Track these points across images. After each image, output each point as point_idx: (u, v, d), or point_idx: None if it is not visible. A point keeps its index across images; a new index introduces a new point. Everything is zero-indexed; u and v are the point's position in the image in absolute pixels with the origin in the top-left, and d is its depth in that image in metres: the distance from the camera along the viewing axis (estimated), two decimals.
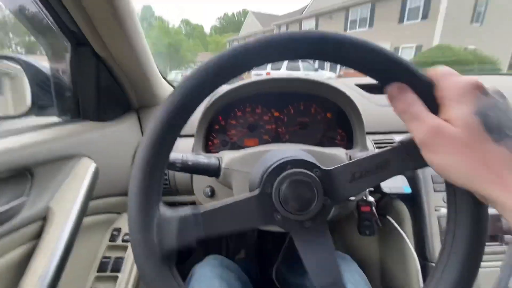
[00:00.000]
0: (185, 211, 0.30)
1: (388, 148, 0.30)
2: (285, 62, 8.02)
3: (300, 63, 9.30)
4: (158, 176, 0.29)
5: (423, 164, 0.28)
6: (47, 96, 0.65)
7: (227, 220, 0.31)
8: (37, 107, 0.65)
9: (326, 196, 0.32)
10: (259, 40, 0.27)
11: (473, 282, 0.29)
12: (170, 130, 0.28)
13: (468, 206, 0.28)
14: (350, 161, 0.32)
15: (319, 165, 0.33)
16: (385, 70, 0.27)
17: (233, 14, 54.19)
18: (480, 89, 0.24)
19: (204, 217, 0.30)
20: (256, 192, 0.33)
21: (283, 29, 17.75)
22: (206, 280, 0.57)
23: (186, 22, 49.48)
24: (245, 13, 49.41)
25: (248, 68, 0.29)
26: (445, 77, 0.25)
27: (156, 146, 0.28)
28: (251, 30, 22.09)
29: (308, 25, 16.30)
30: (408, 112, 0.26)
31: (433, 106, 0.26)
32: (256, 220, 0.32)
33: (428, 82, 0.26)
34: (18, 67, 0.61)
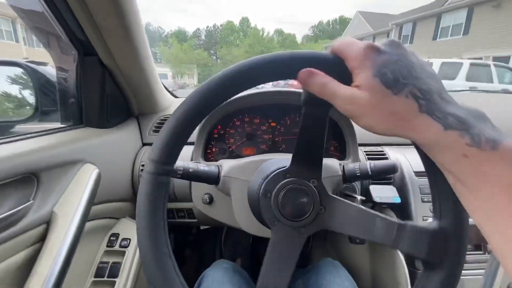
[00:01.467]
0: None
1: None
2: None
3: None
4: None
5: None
6: (50, 102, 0.67)
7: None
8: (40, 113, 0.67)
9: (322, 206, 0.35)
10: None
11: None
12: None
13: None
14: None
15: (316, 175, 0.36)
16: (292, 69, 0.29)
17: (328, 22, 52.68)
18: (374, 50, 0.26)
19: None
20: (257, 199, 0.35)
21: (407, 29, 14.89)
22: (219, 283, 0.58)
23: (279, 32, 49.88)
24: (342, 20, 48.52)
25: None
26: (348, 47, 0.28)
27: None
28: (358, 33, 18.97)
29: (454, 19, 12.29)
30: (325, 93, 0.28)
31: (345, 78, 0.27)
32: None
33: (333, 58, 0.28)
34: (25, 73, 0.62)
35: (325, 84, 0.27)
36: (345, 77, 0.28)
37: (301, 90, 0.71)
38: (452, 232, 0.30)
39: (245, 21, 50.08)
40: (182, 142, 0.31)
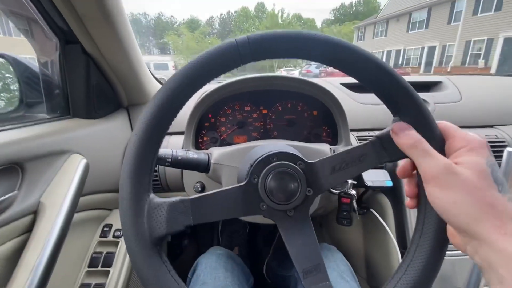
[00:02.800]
0: (174, 198, 0.32)
1: (366, 142, 0.33)
2: None
3: None
4: (148, 167, 0.30)
5: (397, 157, 0.31)
6: (35, 93, 0.65)
7: (215, 209, 0.33)
8: (26, 105, 0.65)
9: (309, 187, 0.34)
10: (252, 37, 0.29)
11: (438, 268, 0.31)
12: (158, 126, 0.30)
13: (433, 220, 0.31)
14: (331, 155, 0.34)
15: (302, 157, 0.36)
16: (402, 105, 0.30)
17: (350, 3, 46.90)
18: (488, 148, 0.27)
19: (193, 204, 0.32)
20: (243, 183, 0.34)
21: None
22: (212, 269, 0.58)
23: (297, 17, 46.10)
24: (366, 1, 43.91)
25: (235, 66, 0.30)
26: (454, 130, 0.29)
27: (145, 141, 0.29)
28: (396, 8, 17.48)
29: None
30: (418, 148, 0.28)
31: (441, 150, 0.28)
32: (242, 209, 0.34)
33: (439, 133, 0.30)
34: (7, 64, 0.61)
35: (421, 141, 0.28)
36: (441, 149, 0.29)
37: (292, 75, 0.70)
38: (434, 231, 0.30)
39: (260, 6, 47.19)
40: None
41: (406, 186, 0.32)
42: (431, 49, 15.38)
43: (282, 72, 12.14)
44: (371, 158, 0.33)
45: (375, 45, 19.91)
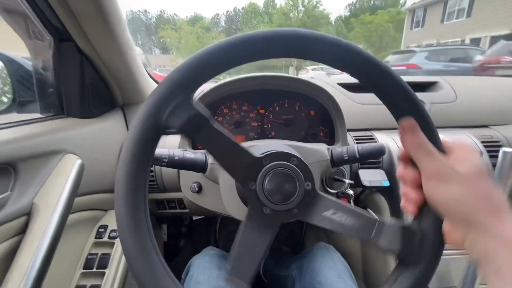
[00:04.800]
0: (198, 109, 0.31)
1: (373, 217, 0.33)
2: None
3: None
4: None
5: (389, 250, 0.32)
6: (29, 92, 0.64)
7: (219, 148, 0.32)
8: (19, 104, 0.64)
9: (307, 181, 0.34)
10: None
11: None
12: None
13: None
14: (337, 201, 0.34)
15: (295, 154, 0.35)
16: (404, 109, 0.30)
17: None
18: (480, 153, 0.30)
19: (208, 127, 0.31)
20: (243, 186, 0.34)
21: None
22: (205, 269, 0.58)
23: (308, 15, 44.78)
24: None
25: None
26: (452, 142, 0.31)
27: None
28: None
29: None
30: (423, 148, 0.29)
31: (442, 151, 0.30)
32: (237, 174, 0.34)
33: (439, 136, 0.31)
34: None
35: (426, 142, 0.29)
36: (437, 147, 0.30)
37: (288, 75, 0.70)
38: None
39: (270, 2, 43.71)
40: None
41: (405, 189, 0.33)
42: None
43: (310, 73, 10.99)
44: (366, 233, 0.33)
45: (446, 32, 13.62)
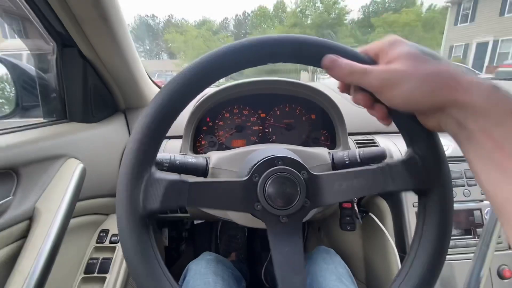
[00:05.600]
0: (175, 176, 0.31)
1: (375, 167, 0.33)
2: None
3: None
4: (155, 145, 0.30)
5: (402, 189, 0.32)
6: (32, 97, 0.65)
7: (211, 197, 0.32)
8: (22, 109, 0.65)
9: (307, 198, 0.34)
10: (244, 42, 0.29)
11: (439, 271, 0.31)
12: (157, 130, 0.29)
13: (435, 215, 0.31)
14: (338, 171, 0.34)
15: (307, 168, 0.35)
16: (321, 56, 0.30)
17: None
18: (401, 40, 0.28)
19: (191, 187, 0.31)
20: (244, 178, 0.34)
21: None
22: (201, 275, 0.58)
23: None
24: None
25: (234, 71, 0.30)
26: (376, 46, 0.29)
27: (143, 146, 0.29)
28: None
29: None
30: (353, 73, 0.28)
31: (370, 62, 0.29)
32: (237, 204, 0.33)
33: (364, 54, 0.30)
34: (3, 67, 0.60)
35: (352, 65, 0.28)
36: (369, 61, 0.29)
37: (289, 80, 0.70)
38: (426, 155, 0.31)
39: (280, 5, 40.62)
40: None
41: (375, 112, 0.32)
42: None
43: (325, 79, 10.36)
44: (376, 184, 0.33)
45: (509, 26, 10.85)
